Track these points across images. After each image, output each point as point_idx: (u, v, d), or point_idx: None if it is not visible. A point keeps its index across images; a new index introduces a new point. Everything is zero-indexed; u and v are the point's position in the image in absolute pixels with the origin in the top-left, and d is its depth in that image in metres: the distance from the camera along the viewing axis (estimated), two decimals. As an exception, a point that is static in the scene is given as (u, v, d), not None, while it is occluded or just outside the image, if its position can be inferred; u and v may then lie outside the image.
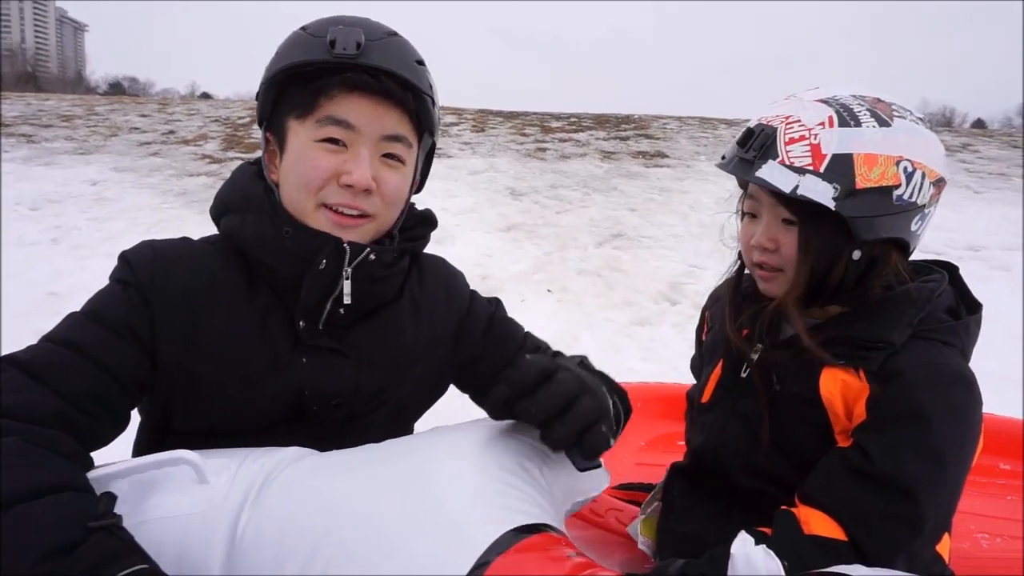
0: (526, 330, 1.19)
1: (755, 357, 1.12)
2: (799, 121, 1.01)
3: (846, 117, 1.00)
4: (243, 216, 1.00)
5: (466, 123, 10.37)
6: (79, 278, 1.00)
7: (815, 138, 0.99)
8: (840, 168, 0.97)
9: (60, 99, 12.38)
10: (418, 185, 1.12)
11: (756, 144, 1.02)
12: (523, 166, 7.91)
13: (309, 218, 0.97)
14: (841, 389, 1.01)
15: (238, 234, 1.00)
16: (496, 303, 1.21)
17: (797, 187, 0.97)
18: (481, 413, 1.19)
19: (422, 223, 1.13)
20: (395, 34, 1.00)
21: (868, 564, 0.90)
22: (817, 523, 0.94)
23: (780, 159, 1.00)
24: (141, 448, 1.04)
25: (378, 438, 1.03)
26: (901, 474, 0.92)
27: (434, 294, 1.12)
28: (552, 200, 6.66)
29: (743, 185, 1.14)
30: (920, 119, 1.04)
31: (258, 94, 1.00)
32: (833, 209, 0.96)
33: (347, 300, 0.98)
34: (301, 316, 0.98)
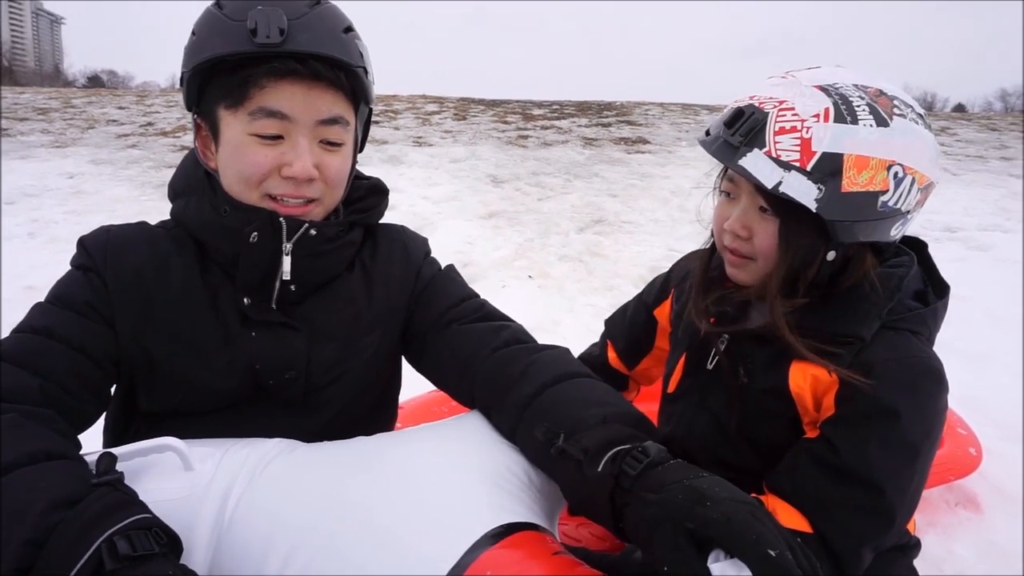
0: (478, 297, 1.16)
1: (722, 347, 1.09)
2: (793, 109, 0.94)
3: (843, 111, 0.93)
4: (187, 199, 1.01)
5: (447, 111, 10.33)
6: (56, 271, 0.98)
7: (807, 131, 0.92)
8: (828, 168, 0.91)
9: (36, 92, 12.20)
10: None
11: (744, 128, 0.95)
12: (505, 154, 7.88)
13: (254, 205, 0.96)
14: (811, 383, 0.99)
15: (183, 217, 1.01)
16: (448, 268, 1.19)
17: (780, 183, 0.92)
18: (418, 381, 1.18)
19: (372, 193, 1.12)
20: (318, 2, 0.96)
21: (834, 556, 0.91)
22: (783, 514, 0.94)
23: (767, 149, 0.93)
24: (110, 430, 1.06)
25: (341, 412, 1.04)
26: (869, 469, 0.91)
27: (389, 262, 1.11)
28: (534, 187, 6.65)
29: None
30: (920, 116, 0.99)
31: (181, 80, 0.97)
32: (814, 211, 0.92)
33: (286, 276, 0.97)
34: (245, 293, 0.98)
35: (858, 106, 0.93)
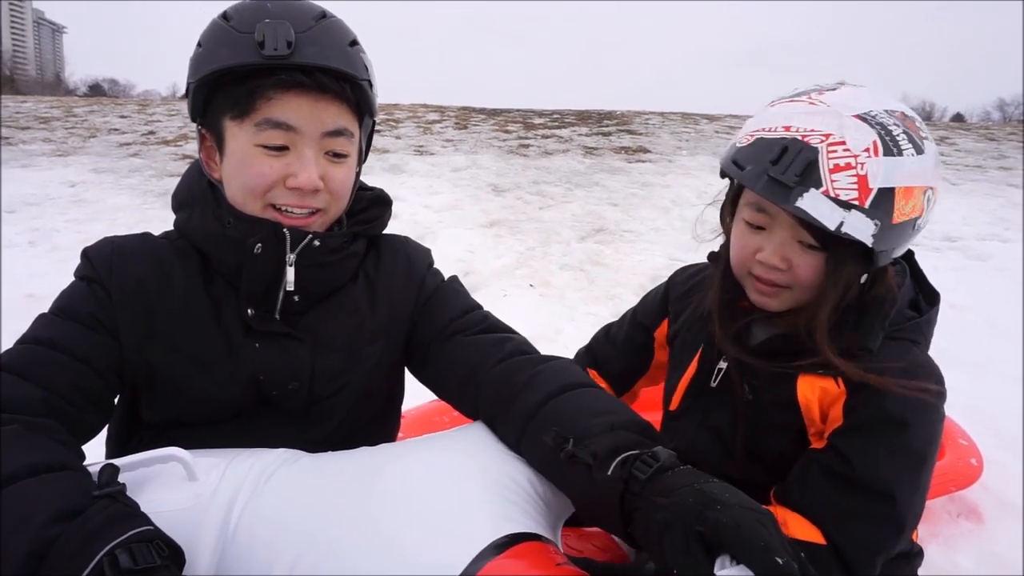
0: (482, 309, 1.16)
1: (725, 366, 1.09)
2: (843, 143, 0.90)
3: (889, 143, 0.91)
4: (190, 211, 1.01)
5: (448, 120, 10.36)
6: (57, 280, 0.99)
7: (862, 168, 0.89)
8: (883, 203, 0.90)
9: (38, 101, 12.23)
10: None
11: (795, 166, 0.90)
12: (506, 162, 7.90)
13: (259, 216, 0.97)
14: (819, 396, 0.99)
15: (187, 228, 1.02)
16: (451, 279, 1.19)
17: (842, 224, 0.90)
18: (421, 390, 1.18)
19: (376, 204, 1.13)
20: (324, 16, 0.97)
21: (847, 566, 0.91)
22: (795, 526, 0.94)
23: (824, 189, 0.89)
24: (112, 440, 1.06)
25: (344, 422, 1.04)
26: (880, 478, 0.92)
27: (392, 274, 1.11)
28: (534, 196, 6.66)
29: (729, 189, 1.07)
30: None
31: (187, 91, 0.98)
32: (869, 245, 0.91)
33: (289, 287, 0.98)
34: (248, 304, 0.98)
35: (898, 135, 0.92)
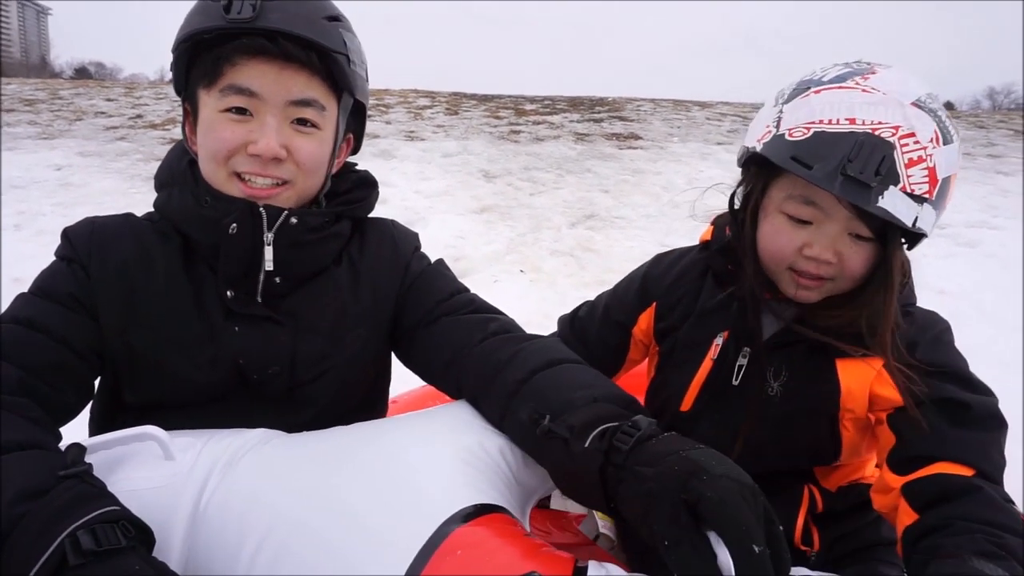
0: (469, 292, 1.13)
1: (745, 362, 1.06)
2: (913, 136, 0.88)
3: (943, 131, 0.89)
4: (170, 191, 1.00)
5: (439, 106, 10.30)
6: (43, 264, 0.98)
7: (931, 160, 0.88)
8: (943, 192, 0.90)
9: (22, 83, 12.08)
10: (353, 147, 1.12)
11: (872, 163, 0.86)
12: (497, 148, 7.87)
13: (225, 188, 0.96)
14: (862, 378, 0.98)
15: (166, 209, 1.00)
16: (437, 262, 1.17)
17: (916, 219, 0.88)
18: (411, 376, 1.17)
19: (360, 185, 1.11)
20: None
21: (997, 484, 0.89)
22: (935, 470, 0.89)
23: (901, 185, 0.87)
24: (95, 422, 1.05)
25: (327, 408, 1.03)
26: (986, 403, 0.94)
27: (377, 257, 1.09)
28: (525, 182, 6.65)
29: (755, 178, 1.02)
30: None
31: (172, 64, 0.98)
32: (928, 234, 0.92)
33: (268, 267, 0.96)
34: (227, 285, 0.97)
35: (945, 121, 0.91)
